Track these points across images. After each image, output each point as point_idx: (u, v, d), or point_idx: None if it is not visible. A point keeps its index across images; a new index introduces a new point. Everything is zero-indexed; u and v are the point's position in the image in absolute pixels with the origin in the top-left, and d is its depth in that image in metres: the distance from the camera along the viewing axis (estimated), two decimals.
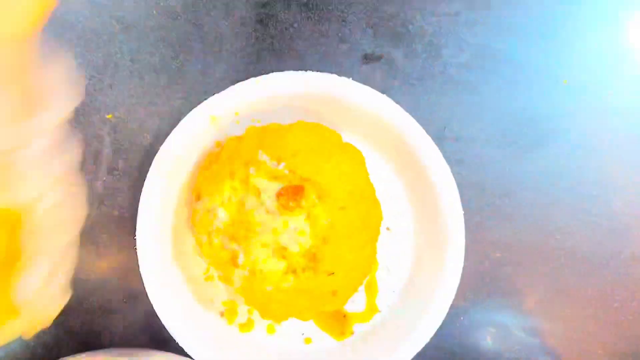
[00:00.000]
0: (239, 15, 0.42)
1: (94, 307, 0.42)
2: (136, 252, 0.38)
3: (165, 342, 0.39)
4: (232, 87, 0.38)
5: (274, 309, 0.36)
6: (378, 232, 0.38)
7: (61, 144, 0.28)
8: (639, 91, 0.42)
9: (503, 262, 0.42)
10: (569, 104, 0.42)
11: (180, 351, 0.38)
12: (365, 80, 0.39)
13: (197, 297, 0.41)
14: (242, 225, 0.35)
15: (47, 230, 0.27)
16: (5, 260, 0.26)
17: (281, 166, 0.35)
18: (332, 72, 0.39)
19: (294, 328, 0.42)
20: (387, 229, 0.42)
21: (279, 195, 0.35)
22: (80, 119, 0.41)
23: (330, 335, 0.42)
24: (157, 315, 0.38)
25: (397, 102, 0.39)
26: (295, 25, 0.42)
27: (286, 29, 0.42)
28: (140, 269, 0.38)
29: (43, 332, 0.41)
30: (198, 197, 0.37)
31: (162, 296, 0.38)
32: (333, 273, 0.35)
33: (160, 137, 0.39)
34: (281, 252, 0.35)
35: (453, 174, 0.39)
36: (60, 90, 0.27)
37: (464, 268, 0.39)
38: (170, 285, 0.39)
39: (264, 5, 0.42)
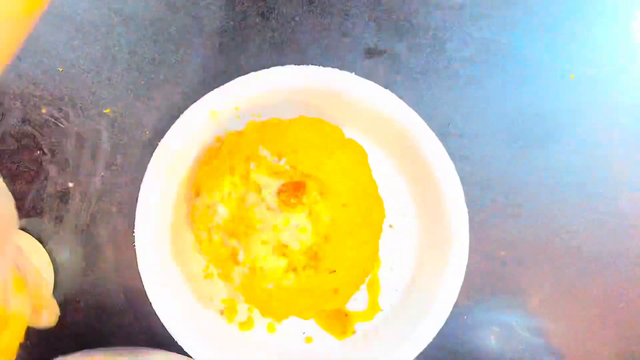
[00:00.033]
0: (240, 8, 0.41)
1: (93, 305, 0.41)
2: (135, 249, 0.38)
3: (164, 340, 0.39)
4: (232, 82, 0.38)
5: (275, 307, 0.36)
6: (380, 230, 0.37)
7: None
8: None
9: (507, 261, 0.42)
10: (575, 100, 0.42)
11: (179, 350, 0.38)
12: (367, 75, 0.38)
13: (196, 295, 0.41)
14: (242, 222, 0.35)
15: None
16: None
17: (282, 162, 0.34)
18: (334, 67, 0.38)
19: (294, 327, 0.41)
20: (390, 226, 0.41)
21: (280, 191, 0.34)
22: (78, 114, 0.40)
23: (332, 334, 0.41)
24: (156, 314, 0.38)
25: (400, 97, 0.38)
26: (297, 18, 0.41)
27: (287, 22, 0.41)
28: (139, 267, 0.38)
29: (40, 331, 0.41)
30: (197, 193, 0.37)
31: (161, 294, 0.38)
32: (334, 271, 0.35)
33: (159, 132, 0.39)
34: (282, 249, 0.34)
35: (457, 171, 0.38)
36: None
37: (467, 266, 0.39)
38: (170, 283, 0.39)
39: None
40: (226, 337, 0.40)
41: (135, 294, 0.41)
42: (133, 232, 0.38)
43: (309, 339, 0.41)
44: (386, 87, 0.38)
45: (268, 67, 0.38)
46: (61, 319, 0.41)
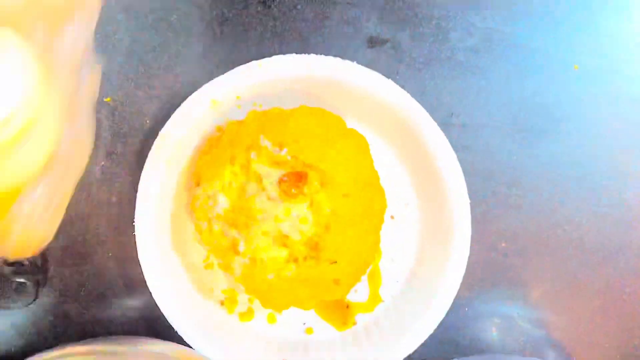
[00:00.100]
0: None
1: (92, 295, 0.41)
2: (135, 239, 0.38)
3: (164, 330, 0.39)
4: (233, 70, 0.38)
5: (275, 297, 0.36)
6: (382, 221, 0.37)
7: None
8: None
9: (509, 253, 0.42)
10: (579, 90, 0.41)
11: (179, 340, 0.38)
12: (370, 64, 0.38)
13: (196, 286, 0.41)
14: (243, 212, 0.34)
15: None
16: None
17: (283, 152, 0.34)
18: (336, 56, 0.38)
19: (295, 318, 0.41)
20: (391, 217, 0.41)
21: (281, 181, 0.34)
22: None
23: (332, 325, 0.41)
24: (156, 304, 0.38)
25: (403, 87, 0.38)
26: (299, 7, 0.41)
27: (289, 10, 0.41)
28: (139, 256, 0.38)
29: (40, 320, 0.41)
30: (198, 183, 0.37)
31: (161, 284, 0.38)
32: (335, 261, 0.35)
33: (159, 121, 0.39)
34: (282, 240, 0.34)
35: (459, 161, 0.38)
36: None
37: (469, 258, 0.39)
38: (170, 273, 0.39)
39: None
40: (226, 327, 0.40)
41: (135, 283, 0.41)
42: (133, 221, 0.38)
43: (309, 330, 0.41)
44: (388, 77, 0.38)
45: (269, 56, 0.38)
46: (60, 309, 0.41)
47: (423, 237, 0.41)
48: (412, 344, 0.38)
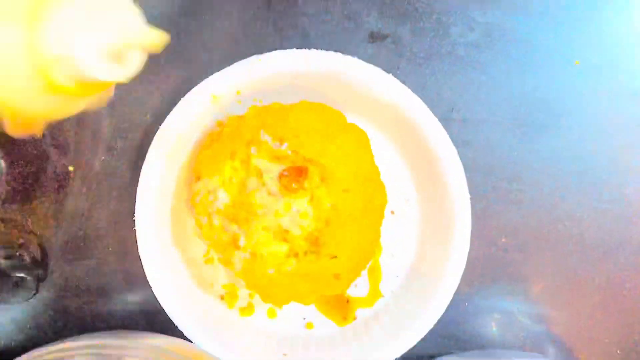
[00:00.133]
0: None
1: (93, 289, 0.41)
2: (135, 233, 0.38)
3: (164, 325, 0.39)
4: (233, 65, 0.38)
5: (275, 292, 0.36)
6: (382, 216, 0.37)
7: None
8: None
9: (509, 248, 0.42)
10: (580, 86, 0.41)
11: (179, 335, 0.38)
12: (370, 59, 0.38)
13: (196, 280, 0.41)
14: (243, 207, 0.34)
15: None
16: None
17: (284, 146, 0.34)
18: (336, 51, 0.38)
19: (295, 313, 0.41)
20: (392, 212, 0.41)
21: (281, 176, 0.34)
22: None
23: (332, 320, 0.41)
24: (156, 298, 0.38)
25: (403, 82, 0.38)
26: (300, 2, 0.41)
27: (290, 5, 0.41)
28: (140, 251, 0.38)
29: (40, 315, 0.41)
30: (198, 178, 0.37)
31: (161, 279, 0.38)
32: (336, 256, 0.35)
33: (160, 116, 0.39)
34: (283, 234, 0.34)
35: (460, 157, 0.38)
36: None
37: (469, 253, 0.38)
38: (170, 268, 0.39)
39: None
40: (226, 322, 0.40)
41: (135, 278, 0.41)
42: (133, 216, 0.38)
43: (309, 325, 0.41)
44: (389, 72, 0.38)
45: (270, 51, 0.38)
46: (61, 303, 0.41)
47: (423, 233, 0.41)
48: (412, 339, 0.38)
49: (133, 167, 0.41)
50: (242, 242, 0.34)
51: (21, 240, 0.41)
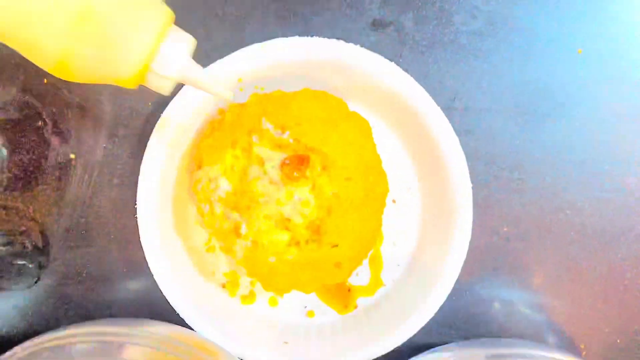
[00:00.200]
0: None
1: (95, 277, 0.41)
2: (136, 221, 0.38)
3: (166, 313, 0.39)
4: (235, 53, 0.38)
5: (277, 281, 0.36)
6: (384, 205, 0.37)
7: None
8: None
9: (510, 237, 0.42)
10: (583, 75, 0.41)
11: (181, 322, 0.38)
12: (373, 47, 0.38)
13: (198, 268, 0.41)
14: (245, 195, 0.34)
15: None
16: None
17: (285, 135, 0.34)
18: (339, 39, 0.38)
19: (296, 301, 0.41)
20: (393, 201, 0.41)
21: (283, 165, 0.34)
22: (79, 84, 0.40)
23: (334, 309, 0.41)
24: (157, 286, 0.38)
25: (406, 70, 0.38)
26: None
27: None
28: (141, 239, 0.38)
29: (42, 302, 0.41)
30: (199, 166, 0.37)
31: (163, 267, 0.38)
32: (337, 245, 0.35)
33: (161, 104, 0.39)
34: (284, 223, 0.34)
35: (461, 145, 0.38)
36: None
37: (470, 242, 0.38)
38: (171, 256, 0.39)
39: None
40: (228, 310, 0.41)
41: (137, 266, 0.41)
42: (135, 204, 0.38)
43: (310, 313, 0.41)
44: (391, 60, 0.38)
45: (272, 39, 0.38)
46: (63, 290, 0.41)
47: (425, 221, 0.41)
48: (413, 328, 0.38)
49: (135, 155, 0.41)
50: (243, 230, 0.34)
51: (23, 228, 0.41)
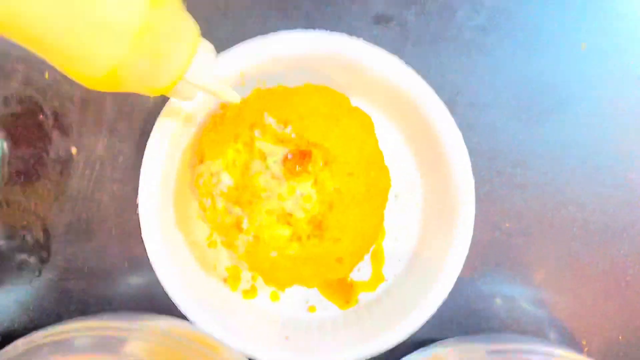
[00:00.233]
0: None
1: (96, 271, 0.41)
2: (138, 216, 0.38)
3: (167, 307, 0.39)
4: (237, 47, 0.37)
5: (278, 275, 0.36)
6: (386, 200, 0.37)
7: None
8: None
9: (513, 233, 0.41)
10: (587, 70, 0.41)
11: (182, 317, 0.38)
12: (375, 42, 0.38)
13: (199, 263, 0.41)
14: (247, 190, 0.34)
15: None
16: None
17: (288, 129, 0.34)
18: (341, 33, 0.38)
19: (298, 296, 0.41)
20: (395, 196, 0.41)
21: (285, 159, 0.34)
22: None
23: (335, 304, 0.41)
24: (159, 281, 0.38)
25: (409, 65, 0.38)
26: None
27: None
28: (143, 234, 0.38)
29: (43, 297, 0.41)
30: (201, 160, 0.37)
31: (164, 261, 0.38)
32: (339, 240, 0.34)
33: (163, 98, 0.38)
34: (286, 218, 0.34)
35: (464, 141, 0.38)
36: None
37: (472, 238, 0.38)
38: (173, 251, 0.39)
39: None
40: (229, 305, 0.41)
41: (138, 260, 0.41)
42: (136, 198, 0.38)
43: (312, 308, 0.41)
44: (394, 54, 0.38)
45: (274, 32, 0.38)
46: (64, 285, 0.41)
47: (427, 217, 0.41)
48: (414, 324, 0.38)
49: (136, 149, 0.41)
50: (245, 225, 0.34)
51: (24, 222, 0.41)
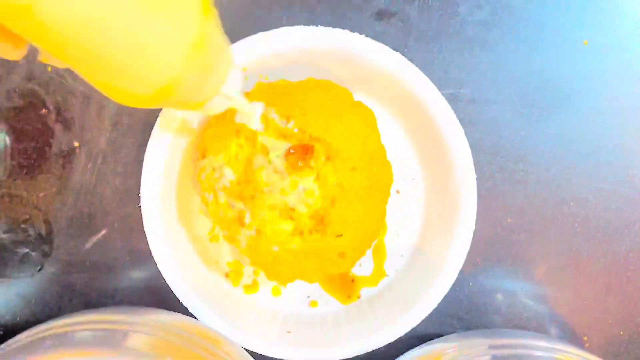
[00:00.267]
0: None
1: (98, 265, 0.41)
2: (140, 210, 0.38)
3: (169, 301, 0.39)
4: (239, 42, 0.37)
5: (280, 270, 0.36)
6: (388, 195, 0.37)
7: None
8: None
9: (514, 229, 0.41)
10: (588, 66, 0.41)
11: (184, 311, 0.38)
12: (378, 37, 0.38)
13: (202, 257, 0.41)
14: (249, 185, 0.34)
15: None
16: None
17: (290, 124, 0.34)
18: (344, 28, 0.38)
19: (299, 291, 0.41)
20: (397, 191, 0.41)
21: (287, 154, 0.34)
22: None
23: (337, 299, 0.41)
24: (161, 275, 0.38)
25: (411, 61, 0.38)
26: None
27: None
28: (145, 228, 0.38)
29: (45, 290, 0.41)
30: (204, 155, 0.37)
31: (166, 256, 0.38)
32: (341, 235, 0.34)
33: None
34: (289, 212, 0.34)
35: (466, 136, 0.38)
36: None
37: (474, 233, 0.38)
38: (175, 245, 0.39)
39: None
40: (231, 299, 0.41)
41: (140, 254, 0.41)
42: (139, 193, 0.38)
43: (313, 303, 0.41)
44: (396, 50, 0.38)
45: (277, 28, 0.37)
46: (67, 278, 0.41)
47: (429, 212, 0.41)
48: (415, 319, 0.38)
49: (139, 143, 0.41)
50: (247, 219, 0.34)
51: (26, 216, 0.41)
